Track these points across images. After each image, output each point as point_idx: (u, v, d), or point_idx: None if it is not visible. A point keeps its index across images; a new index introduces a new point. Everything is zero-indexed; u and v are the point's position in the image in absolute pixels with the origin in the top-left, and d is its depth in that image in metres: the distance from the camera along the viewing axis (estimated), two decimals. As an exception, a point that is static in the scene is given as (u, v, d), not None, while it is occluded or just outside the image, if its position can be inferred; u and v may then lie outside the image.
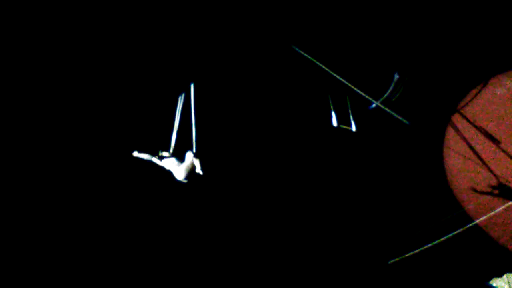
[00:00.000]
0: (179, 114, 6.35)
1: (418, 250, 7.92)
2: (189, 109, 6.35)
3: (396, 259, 8.07)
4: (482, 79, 8.39)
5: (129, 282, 7.84)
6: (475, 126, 8.37)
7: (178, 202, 7.92)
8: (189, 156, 6.02)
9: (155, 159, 6.12)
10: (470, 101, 8.40)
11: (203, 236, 8.15)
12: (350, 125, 8.04)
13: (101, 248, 7.76)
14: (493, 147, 8.27)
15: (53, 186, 7.60)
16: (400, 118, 8.06)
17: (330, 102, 8.00)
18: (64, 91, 7.48)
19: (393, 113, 8.04)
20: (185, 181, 6.00)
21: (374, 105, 8.12)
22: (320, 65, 7.66)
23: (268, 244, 8.33)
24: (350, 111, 8.03)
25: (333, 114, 8.02)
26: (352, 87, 7.73)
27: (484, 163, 8.28)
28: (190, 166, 5.97)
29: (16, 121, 7.40)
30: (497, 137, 8.25)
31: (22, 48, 7.21)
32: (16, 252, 7.44)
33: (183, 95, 6.37)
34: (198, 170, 5.88)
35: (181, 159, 6.10)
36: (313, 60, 7.65)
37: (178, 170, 5.98)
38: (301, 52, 7.58)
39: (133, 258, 7.89)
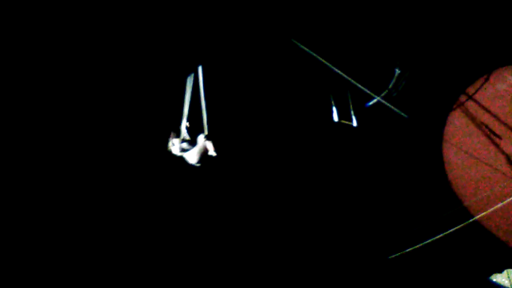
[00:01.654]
0: (189, 96, 6.06)
1: (418, 245, 7.93)
2: (198, 92, 6.09)
3: (396, 255, 8.08)
4: (483, 73, 8.35)
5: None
6: (476, 121, 8.34)
7: (191, 187, 7.89)
8: (201, 139, 5.82)
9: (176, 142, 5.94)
10: (471, 95, 8.36)
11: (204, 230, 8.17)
12: (351, 120, 7.99)
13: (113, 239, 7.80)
14: (494, 142, 8.25)
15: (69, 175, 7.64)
16: (400, 112, 8.02)
17: (331, 97, 7.95)
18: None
19: (393, 108, 8.00)
20: (198, 165, 5.82)
21: (371, 103, 8.08)
22: (321, 59, 7.59)
23: (265, 239, 8.32)
24: (351, 106, 7.99)
25: (334, 109, 7.98)
26: (353, 81, 7.67)
27: (484, 158, 8.27)
28: (202, 149, 5.77)
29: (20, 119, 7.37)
30: (498, 132, 8.23)
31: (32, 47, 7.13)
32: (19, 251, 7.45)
33: (192, 76, 6.08)
34: (212, 152, 5.68)
35: (192, 143, 5.92)
36: (314, 54, 7.57)
37: (190, 154, 5.79)
38: (302, 46, 7.50)
39: (144, 248, 7.90)
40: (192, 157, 5.78)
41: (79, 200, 7.71)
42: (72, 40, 7.29)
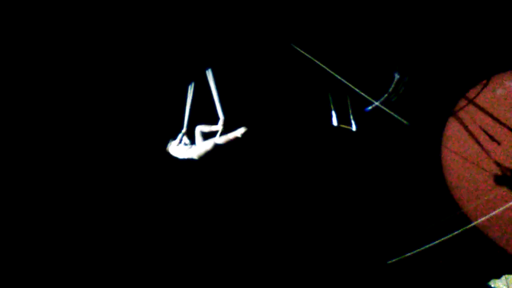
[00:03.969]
0: (190, 104, 6.05)
1: (417, 250, 7.92)
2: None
3: (395, 259, 8.07)
4: (482, 78, 8.35)
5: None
6: (475, 126, 8.34)
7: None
8: (211, 140, 5.68)
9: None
10: (470, 101, 8.37)
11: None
12: (350, 124, 7.99)
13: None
14: (493, 147, 8.25)
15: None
16: (399, 118, 8.02)
17: (330, 102, 7.95)
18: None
19: (392, 113, 8.00)
20: (197, 158, 5.70)
21: (370, 107, 8.08)
22: (320, 64, 7.59)
23: (265, 243, 8.32)
24: (350, 110, 7.99)
25: (333, 113, 7.97)
26: (352, 86, 7.67)
27: (483, 163, 8.27)
28: (208, 147, 5.61)
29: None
30: (497, 137, 8.22)
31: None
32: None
33: (192, 84, 6.11)
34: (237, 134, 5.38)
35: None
36: (313, 59, 7.58)
37: (195, 149, 5.71)
38: (301, 51, 7.50)
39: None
40: (195, 151, 5.70)
41: (81, 200, 7.85)
42: (81, 42, 7.34)
